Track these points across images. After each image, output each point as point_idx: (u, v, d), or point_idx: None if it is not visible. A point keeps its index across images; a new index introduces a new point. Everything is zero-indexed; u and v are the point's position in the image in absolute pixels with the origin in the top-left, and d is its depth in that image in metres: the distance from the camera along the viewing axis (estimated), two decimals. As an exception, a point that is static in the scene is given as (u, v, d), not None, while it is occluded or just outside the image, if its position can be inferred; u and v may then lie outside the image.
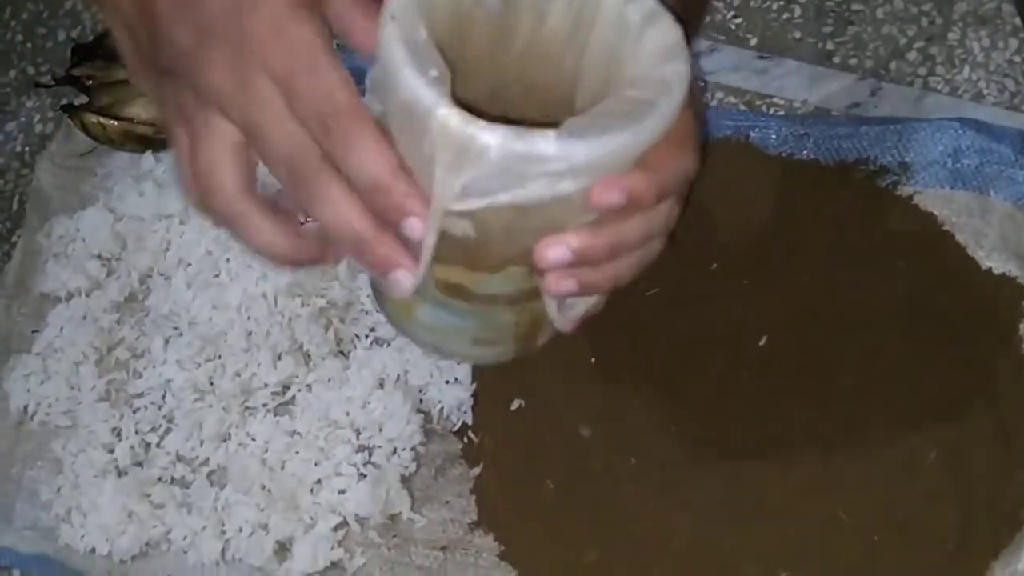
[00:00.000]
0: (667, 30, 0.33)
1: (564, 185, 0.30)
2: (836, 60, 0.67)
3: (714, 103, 0.67)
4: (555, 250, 0.32)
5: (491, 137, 0.29)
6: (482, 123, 0.29)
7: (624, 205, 0.31)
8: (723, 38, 0.68)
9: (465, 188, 0.30)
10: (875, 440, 0.56)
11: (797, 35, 0.68)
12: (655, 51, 0.33)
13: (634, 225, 0.33)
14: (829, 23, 0.68)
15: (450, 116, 0.29)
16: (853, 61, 0.67)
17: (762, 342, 0.59)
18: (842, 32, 0.67)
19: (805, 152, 0.63)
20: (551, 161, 0.29)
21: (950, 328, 0.57)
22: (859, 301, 0.59)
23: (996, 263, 0.59)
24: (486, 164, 0.29)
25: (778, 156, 0.63)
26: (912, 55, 0.66)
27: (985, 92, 0.65)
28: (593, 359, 0.60)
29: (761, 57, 0.67)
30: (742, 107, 0.66)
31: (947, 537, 0.54)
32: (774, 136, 0.63)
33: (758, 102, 0.66)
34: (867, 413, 0.56)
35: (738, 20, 0.69)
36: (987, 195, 0.60)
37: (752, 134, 0.64)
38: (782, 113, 0.66)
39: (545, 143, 0.29)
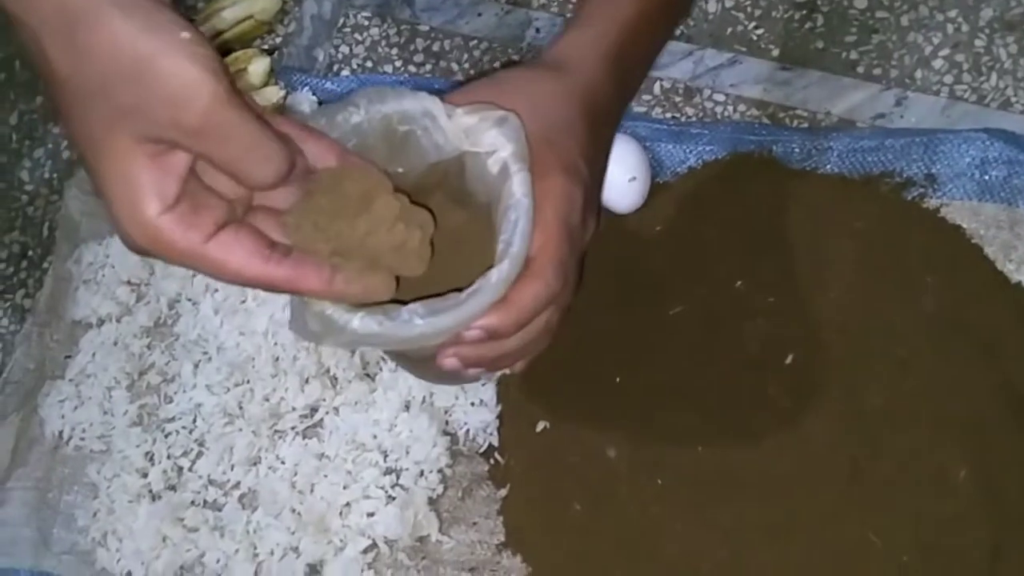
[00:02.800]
0: (516, 185, 0.41)
1: (415, 342, 0.41)
2: (860, 70, 0.66)
3: (736, 116, 0.66)
4: (447, 359, 0.42)
5: (355, 320, 0.40)
6: (355, 312, 0.40)
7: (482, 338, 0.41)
8: (744, 49, 0.68)
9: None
10: (904, 459, 0.55)
11: (820, 45, 0.67)
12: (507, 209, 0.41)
13: (506, 343, 0.42)
14: (853, 32, 0.67)
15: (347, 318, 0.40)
16: (878, 71, 0.66)
17: (789, 360, 0.58)
18: (866, 41, 0.66)
19: (829, 166, 0.62)
20: (391, 337, 0.40)
21: (980, 343, 0.57)
22: (887, 317, 0.58)
23: (1026, 276, 0.58)
24: (352, 334, 0.40)
25: (802, 170, 0.62)
26: (938, 63, 0.65)
27: (1013, 100, 0.64)
28: (618, 379, 0.60)
29: (783, 68, 0.67)
30: (764, 120, 0.66)
31: (978, 557, 0.53)
32: (797, 150, 0.63)
33: (780, 114, 0.66)
34: (896, 431, 0.56)
35: (759, 31, 0.68)
36: (1016, 207, 0.59)
37: (775, 148, 0.63)
38: (805, 126, 0.65)
39: (389, 324, 0.40)
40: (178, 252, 0.36)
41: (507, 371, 0.47)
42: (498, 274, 0.39)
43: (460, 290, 0.40)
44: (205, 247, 0.36)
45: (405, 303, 0.40)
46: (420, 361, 0.47)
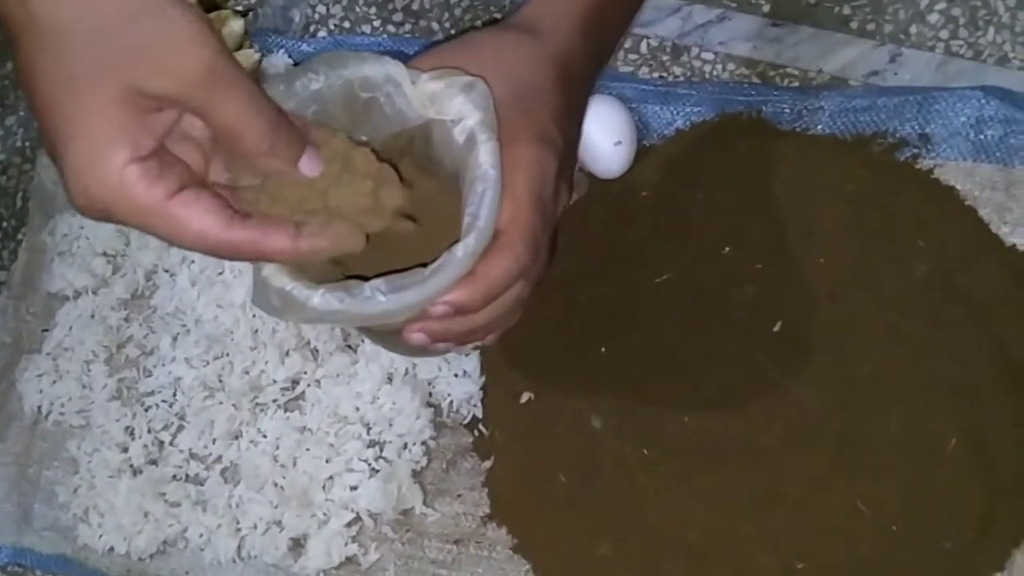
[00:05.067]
0: (483, 155, 0.39)
1: (379, 319, 0.39)
2: (853, 25, 0.64)
3: (725, 76, 0.64)
4: (414, 335, 0.41)
5: (316, 297, 0.39)
6: (316, 289, 0.39)
7: (449, 313, 0.40)
8: (734, 5, 0.65)
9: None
10: (894, 427, 0.54)
11: (812, 0, 0.65)
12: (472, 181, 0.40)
13: (474, 318, 0.41)
14: (846, -14, 0.64)
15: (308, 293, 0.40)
16: (871, 26, 0.64)
17: (777, 327, 0.57)
18: (860, -5, 0.64)
19: (820, 126, 0.60)
20: (347, 313, 0.39)
21: (972, 309, 0.55)
22: (878, 282, 0.57)
23: (1021, 239, 0.57)
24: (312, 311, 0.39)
25: (792, 131, 0.61)
26: (933, 17, 0.63)
27: (1011, 55, 0.62)
28: (603, 349, 0.58)
29: (774, 24, 0.64)
30: (754, 79, 0.64)
31: (968, 525, 0.52)
32: (787, 110, 0.61)
33: (771, 73, 0.64)
34: (885, 399, 0.55)
35: (750, -15, 0.66)
36: (1011, 167, 0.58)
37: (764, 109, 0.61)
38: (796, 84, 0.63)
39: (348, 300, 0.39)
40: (139, 207, 0.35)
41: (478, 344, 0.46)
42: (463, 249, 0.38)
43: (426, 264, 0.39)
44: (167, 203, 0.35)
45: (368, 279, 0.39)
46: (388, 335, 0.46)
